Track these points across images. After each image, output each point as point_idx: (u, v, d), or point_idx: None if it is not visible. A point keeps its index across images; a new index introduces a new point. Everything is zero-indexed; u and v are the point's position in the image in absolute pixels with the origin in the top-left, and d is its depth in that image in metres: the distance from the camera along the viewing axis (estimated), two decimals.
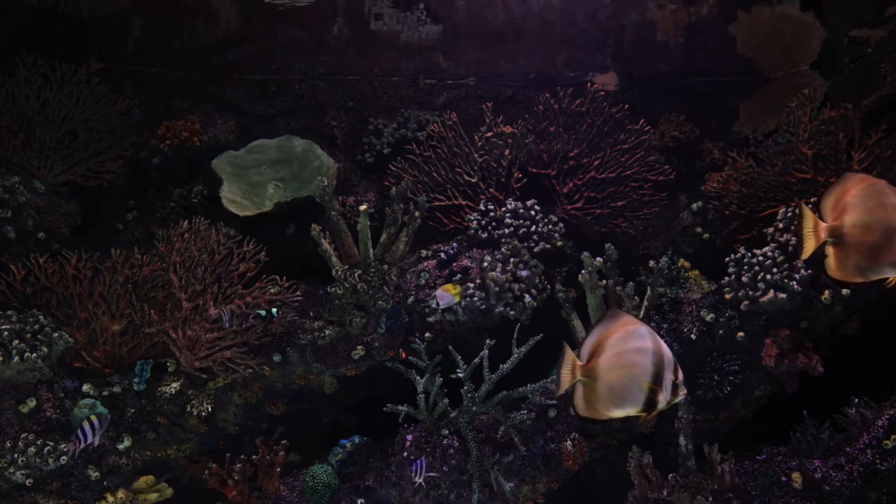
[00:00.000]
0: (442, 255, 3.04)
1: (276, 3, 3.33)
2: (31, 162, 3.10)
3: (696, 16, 3.43)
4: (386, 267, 2.79)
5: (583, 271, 2.62)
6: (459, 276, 2.94)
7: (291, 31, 3.52)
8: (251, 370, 2.72)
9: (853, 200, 1.86)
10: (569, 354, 1.84)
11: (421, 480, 2.58)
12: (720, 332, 2.74)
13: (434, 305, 2.82)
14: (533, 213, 3.11)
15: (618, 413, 1.80)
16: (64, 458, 2.47)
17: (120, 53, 3.51)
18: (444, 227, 3.30)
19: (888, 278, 1.85)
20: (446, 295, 2.76)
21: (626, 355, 1.76)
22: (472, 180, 3.29)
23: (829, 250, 1.91)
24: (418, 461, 2.56)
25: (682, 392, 1.78)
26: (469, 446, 2.69)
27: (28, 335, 2.52)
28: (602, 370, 1.78)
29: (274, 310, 2.70)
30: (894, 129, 2.81)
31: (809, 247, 1.93)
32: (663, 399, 1.75)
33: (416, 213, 2.85)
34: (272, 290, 2.76)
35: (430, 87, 3.65)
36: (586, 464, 2.72)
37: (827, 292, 2.54)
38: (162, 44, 3.57)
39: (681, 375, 1.77)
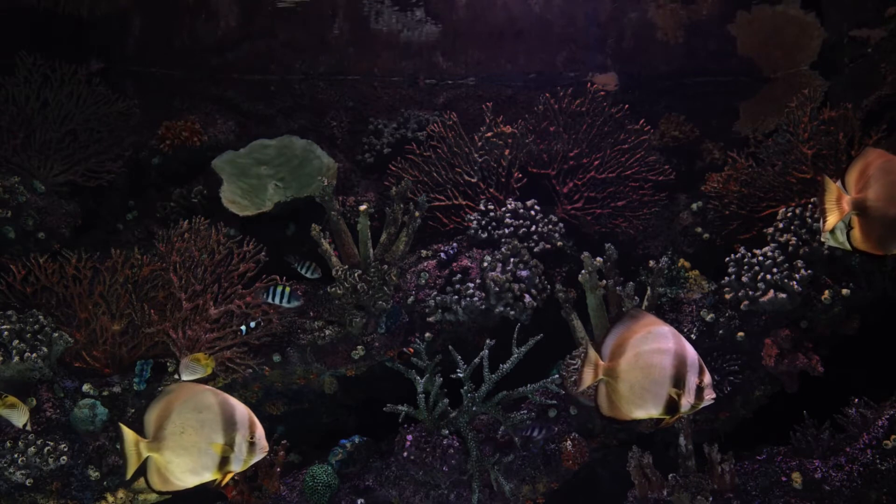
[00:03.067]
0: (442, 255, 3.04)
1: (273, 2, 3.33)
2: (31, 162, 3.10)
3: (696, 16, 3.43)
4: (386, 267, 2.79)
5: (583, 271, 2.62)
6: (460, 275, 2.94)
7: (291, 30, 3.52)
8: (251, 370, 2.72)
9: (876, 174, 1.88)
10: (591, 353, 1.82)
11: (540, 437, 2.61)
12: (720, 332, 2.74)
13: (176, 377, 2.54)
14: (533, 213, 3.11)
15: (640, 414, 1.78)
16: (64, 457, 2.47)
17: (120, 53, 3.51)
18: (444, 227, 3.29)
19: None
20: (194, 366, 2.41)
21: (645, 356, 1.74)
22: (472, 180, 3.29)
23: (854, 222, 1.93)
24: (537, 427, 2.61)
25: (709, 396, 1.73)
26: (469, 446, 2.68)
27: (28, 335, 2.52)
28: (623, 370, 1.77)
29: (252, 323, 2.67)
30: (894, 129, 2.81)
31: (833, 219, 1.95)
32: (686, 403, 1.72)
33: (417, 213, 2.85)
34: None
35: (430, 87, 3.65)
36: (586, 464, 2.72)
37: (827, 292, 2.54)
38: (162, 44, 3.57)
39: (707, 378, 1.73)
